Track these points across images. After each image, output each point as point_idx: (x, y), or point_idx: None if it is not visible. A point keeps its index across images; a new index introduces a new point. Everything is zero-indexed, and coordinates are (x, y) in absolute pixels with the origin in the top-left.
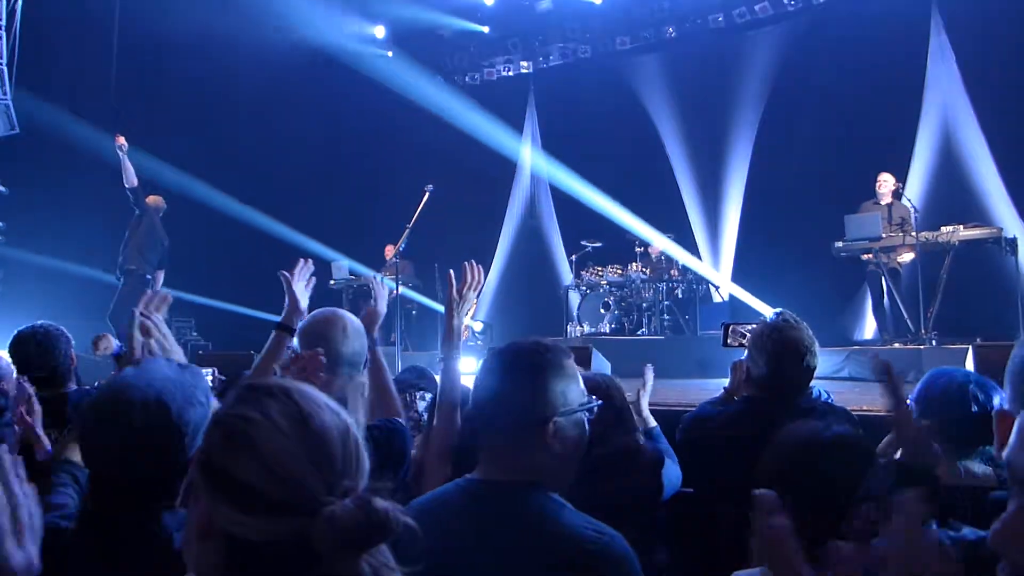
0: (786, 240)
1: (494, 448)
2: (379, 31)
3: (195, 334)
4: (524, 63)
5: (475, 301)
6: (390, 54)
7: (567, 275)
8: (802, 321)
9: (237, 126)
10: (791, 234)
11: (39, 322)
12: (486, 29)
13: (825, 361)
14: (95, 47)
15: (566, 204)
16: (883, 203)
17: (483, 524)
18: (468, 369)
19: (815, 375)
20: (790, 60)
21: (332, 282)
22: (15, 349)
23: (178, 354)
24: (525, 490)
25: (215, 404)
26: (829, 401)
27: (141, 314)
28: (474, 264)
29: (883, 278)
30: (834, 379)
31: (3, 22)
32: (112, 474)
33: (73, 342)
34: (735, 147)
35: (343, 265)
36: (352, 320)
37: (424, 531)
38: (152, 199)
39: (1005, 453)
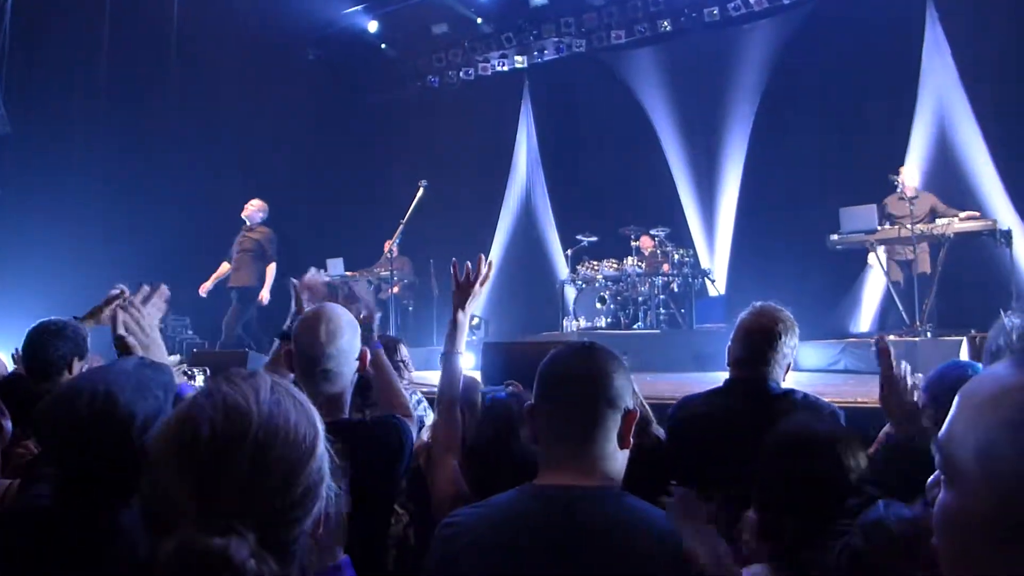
0: (782, 233)
1: (567, 448)
2: (372, 25)
3: (191, 332)
4: (519, 58)
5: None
6: (384, 46)
7: (563, 270)
8: (784, 309)
9: (229, 120)
10: (787, 227)
11: (55, 317)
12: (479, 20)
13: (821, 353)
14: (85, 44)
15: (562, 199)
16: (908, 196)
17: (589, 531)
18: (464, 365)
19: (812, 368)
20: (785, 53)
21: (327, 278)
22: (27, 339)
23: (158, 351)
24: (619, 494)
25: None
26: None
27: (119, 306)
28: (483, 258)
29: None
30: (830, 371)
31: None
32: (64, 467)
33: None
34: (731, 140)
35: (338, 261)
36: (337, 317)
37: (508, 546)
38: (257, 203)
39: (943, 430)
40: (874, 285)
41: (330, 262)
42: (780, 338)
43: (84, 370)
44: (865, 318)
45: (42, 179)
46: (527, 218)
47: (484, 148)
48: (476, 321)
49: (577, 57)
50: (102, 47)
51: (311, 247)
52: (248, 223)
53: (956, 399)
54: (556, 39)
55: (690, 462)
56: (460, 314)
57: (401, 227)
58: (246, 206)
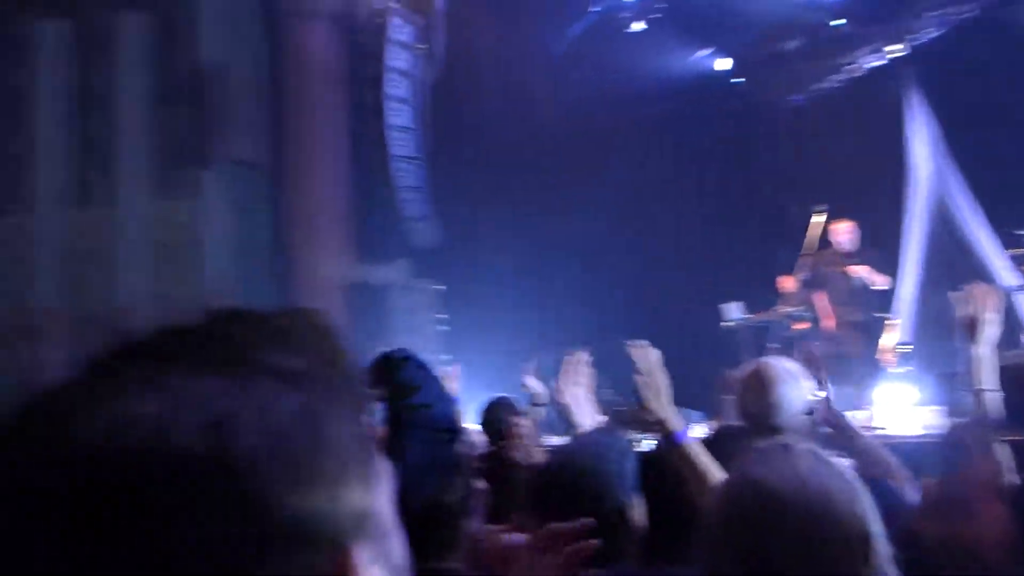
0: None
1: None
2: (724, 63)
3: (609, 390)
4: (894, 47)
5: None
6: (736, 80)
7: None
8: None
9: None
10: None
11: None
12: (843, 20)
13: None
14: None
15: (982, 192)
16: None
17: None
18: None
19: None
20: None
21: (724, 323)
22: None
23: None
24: None
25: None
26: None
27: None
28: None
29: None
30: None
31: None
32: None
33: None
34: None
35: (737, 305)
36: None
37: None
38: (850, 225)
39: None
40: None
41: (725, 307)
42: None
43: None
44: None
45: None
46: (944, 225)
47: (871, 158)
48: (910, 348)
49: (967, 25)
50: None
51: (699, 291)
52: (847, 248)
53: None
54: (938, 12)
55: None
56: (974, 348)
57: (802, 260)
58: (840, 231)
